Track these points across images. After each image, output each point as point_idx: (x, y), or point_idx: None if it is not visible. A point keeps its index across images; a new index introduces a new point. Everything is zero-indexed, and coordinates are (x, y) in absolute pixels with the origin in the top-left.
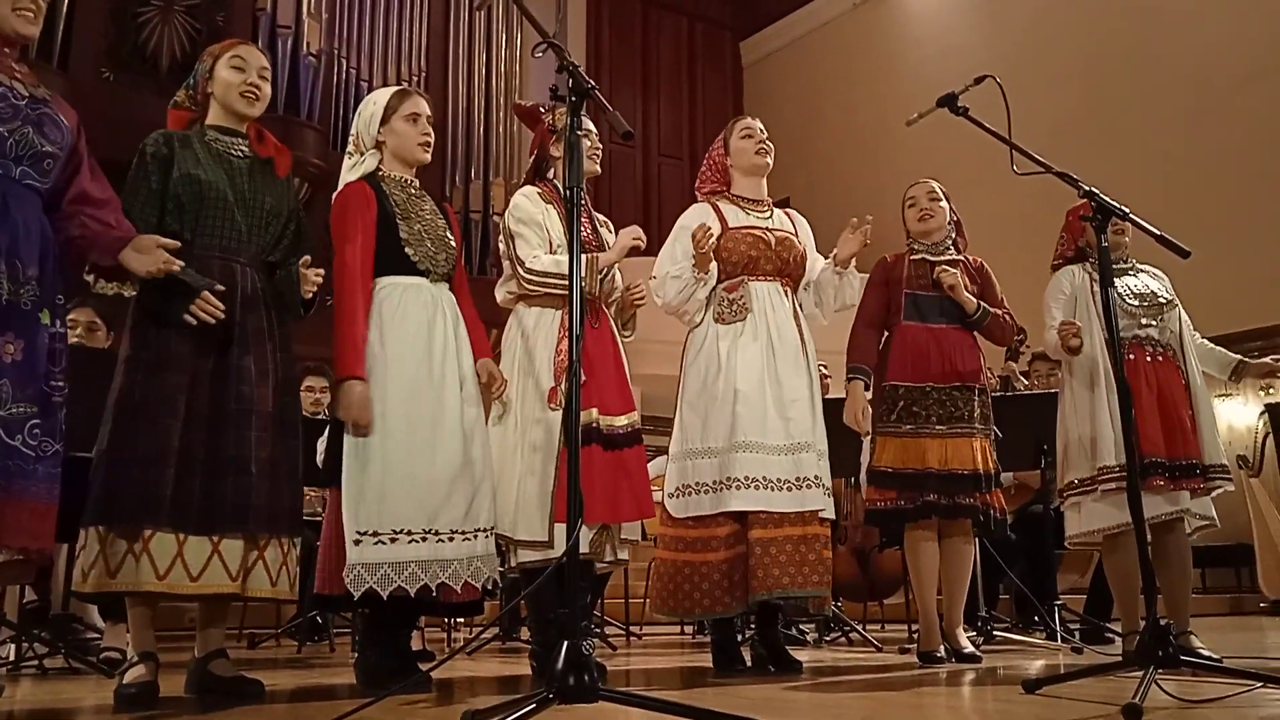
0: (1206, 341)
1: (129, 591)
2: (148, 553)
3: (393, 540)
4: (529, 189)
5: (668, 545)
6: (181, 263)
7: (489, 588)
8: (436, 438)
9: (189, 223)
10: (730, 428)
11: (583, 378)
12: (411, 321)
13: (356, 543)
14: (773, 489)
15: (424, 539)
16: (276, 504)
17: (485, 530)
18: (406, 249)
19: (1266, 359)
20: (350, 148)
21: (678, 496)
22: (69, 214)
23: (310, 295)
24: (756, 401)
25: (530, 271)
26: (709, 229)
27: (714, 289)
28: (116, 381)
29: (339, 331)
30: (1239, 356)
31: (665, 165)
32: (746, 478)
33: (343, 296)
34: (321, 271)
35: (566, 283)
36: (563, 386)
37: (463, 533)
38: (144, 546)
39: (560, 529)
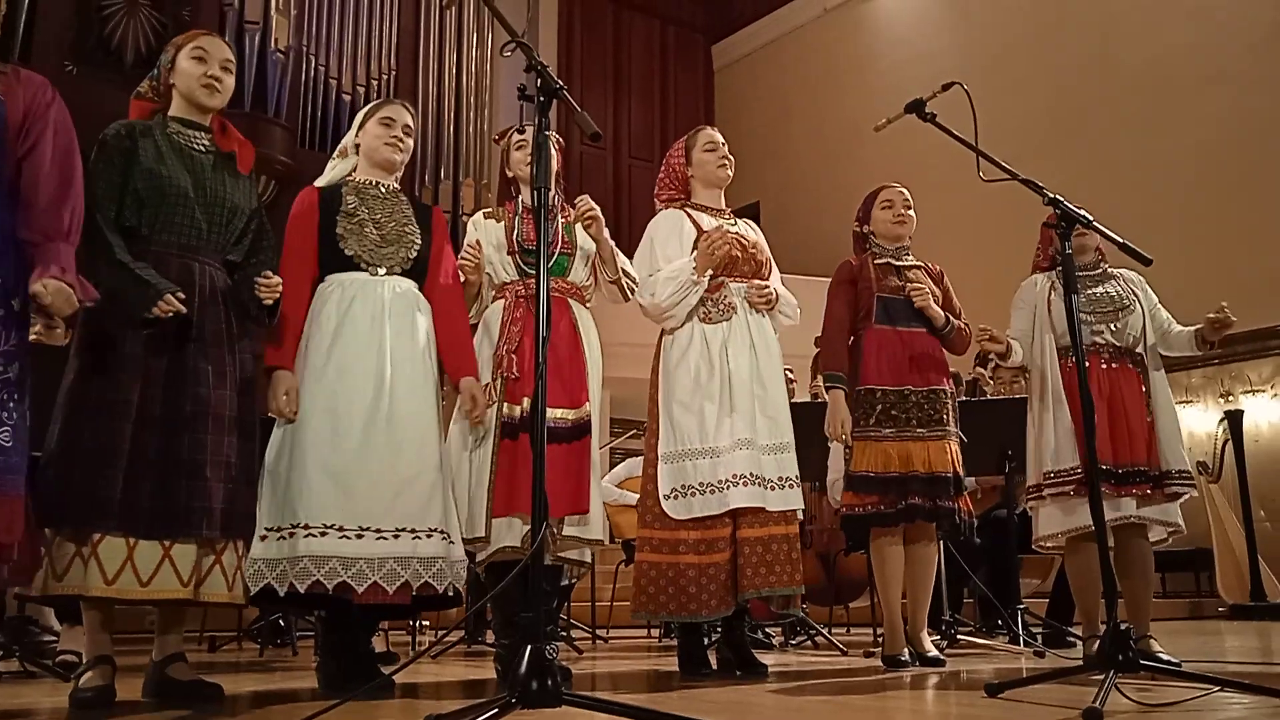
0: (1180, 328)
1: (76, 595)
2: (96, 556)
3: (290, 535)
4: (476, 216)
5: (658, 548)
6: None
7: (445, 592)
8: (339, 430)
9: (148, 218)
10: (730, 426)
11: (515, 374)
12: (328, 315)
13: (263, 538)
14: (764, 487)
15: (323, 534)
16: (232, 508)
17: (414, 531)
18: (340, 244)
19: (1209, 314)
20: (335, 154)
21: (675, 498)
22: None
23: (272, 301)
24: (747, 401)
25: None
26: (725, 232)
27: None
28: (67, 380)
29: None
30: (1194, 327)
31: (636, 167)
32: (751, 474)
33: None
34: (278, 279)
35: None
36: (497, 382)
37: (377, 531)
38: (92, 550)
39: (498, 524)
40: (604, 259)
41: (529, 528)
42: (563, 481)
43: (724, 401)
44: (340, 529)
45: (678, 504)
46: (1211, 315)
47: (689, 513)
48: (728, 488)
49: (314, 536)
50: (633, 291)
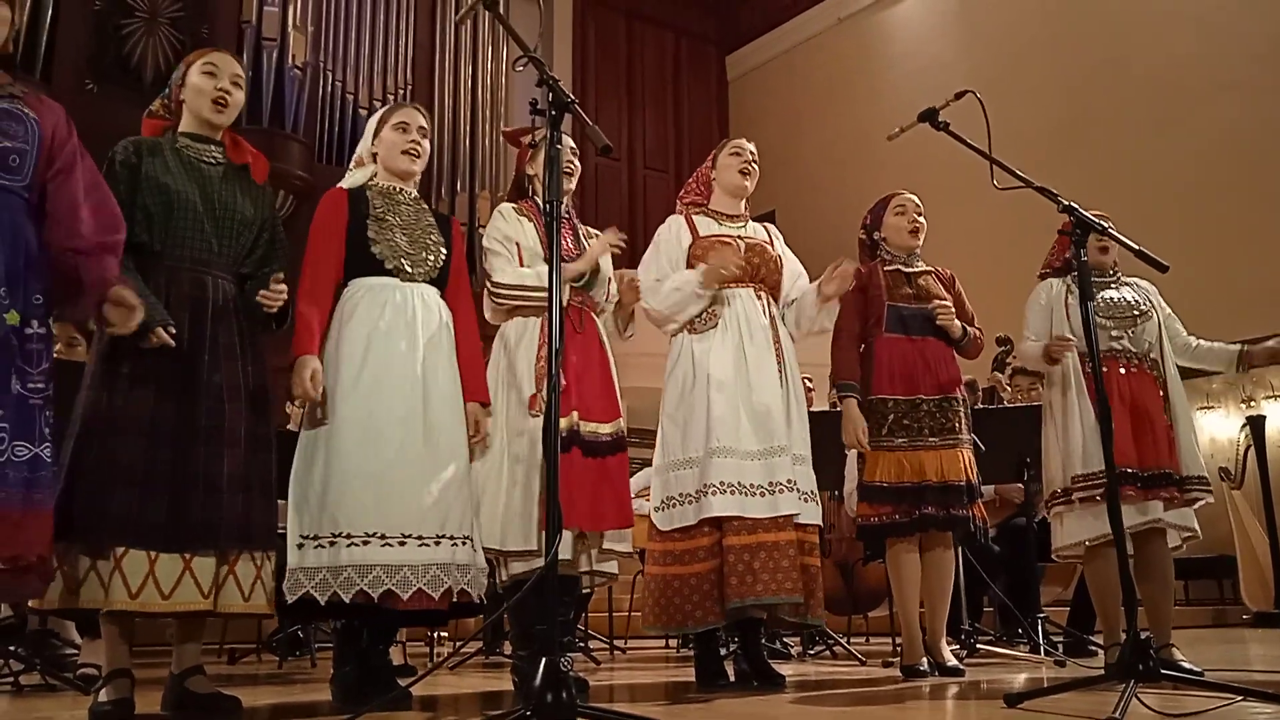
0: (1204, 341)
1: (98, 609)
2: (120, 570)
3: (331, 544)
4: (505, 206)
5: (656, 560)
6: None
7: (478, 600)
8: (377, 437)
9: (158, 233)
10: (705, 435)
11: (563, 383)
12: (360, 320)
13: (299, 547)
14: (747, 494)
15: (365, 542)
16: (247, 519)
17: (452, 538)
18: (372, 247)
19: (1271, 341)
20: (352, 164)
21: (663, 510)
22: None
23: (275, 309)
24: (728, 407)
25: (497, 285)
26: (739, 253)
27: None
28: (83, 396)
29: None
30: (1240, 344)
31: (650, 178)
32: (723, 483)
33: (297, 291)
34: (283, 285)
35: (531, 294)
36: (543, 393)
37: (418, 538)
38: (115, 564)
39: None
40: (625, 320)
41: (573, 539)
42: (608, 495)
43: (701, 411)
44: (382, 537)
45: (662, 516)
46: (1275, 345)
47: (670, 524)
48: (701, 497)
49: (356, 545)
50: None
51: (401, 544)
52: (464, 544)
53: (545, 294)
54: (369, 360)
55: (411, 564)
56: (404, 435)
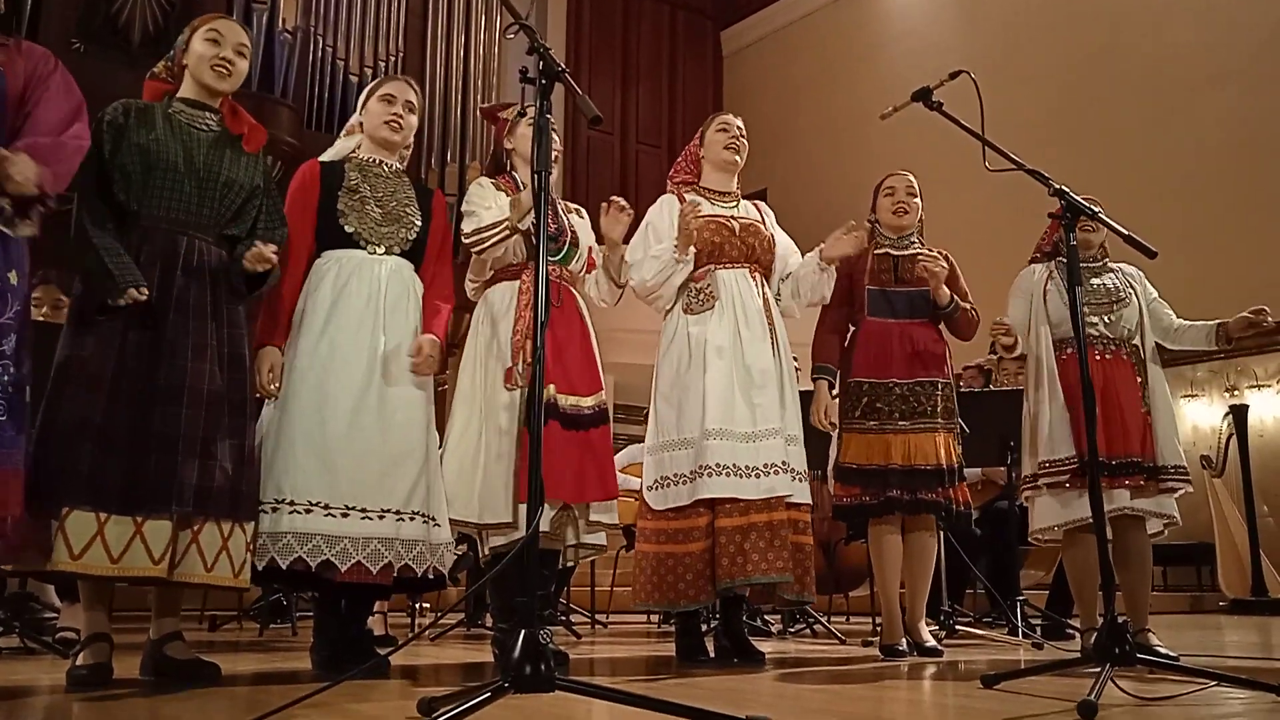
0: (1184, 321)
1: (42, 571)
2: (63, 531)
3: (274, 509)
4: (484, 179)
5: (649, 538)
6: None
7: (427, 576)
8: (328, 406)
9: (135, 193)
10: (701, 416)
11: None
12: (325, 291)
13: None
14: (741, 476)
15: (308, 510)
16: (213, 485)
17: (399, 513)
18: (341, 220)
19: (1244, 312)
20: (343, 133)
21: (656, 489)
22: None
23: (259, 270)
24: (724, 389)
25: (467, 236)
26: (698, 205)
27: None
28: (56, 356)
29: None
30: (1216, 320)
31: (643, 153)
32: (718, 465)
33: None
34: (272, 248)
35: (487, 233)
36: (519, 367)
37: (362, 510)
38: (59, 524)
39: (524, 509)
40: (616, 264)
41: (554, 513)
42: (590, 467)
43: (698, 392)
44: (325, 507)
45: (656, 495)
46: (1249, 314)
47: (664, 503)
48: (697, 478)
49: (299, 513)
50: (621, 288)
51: (345, 515)
52: (413, 519)
53: (496, 229)
54: (328, 331)
55: (352, 536)
56: (355, 407)
